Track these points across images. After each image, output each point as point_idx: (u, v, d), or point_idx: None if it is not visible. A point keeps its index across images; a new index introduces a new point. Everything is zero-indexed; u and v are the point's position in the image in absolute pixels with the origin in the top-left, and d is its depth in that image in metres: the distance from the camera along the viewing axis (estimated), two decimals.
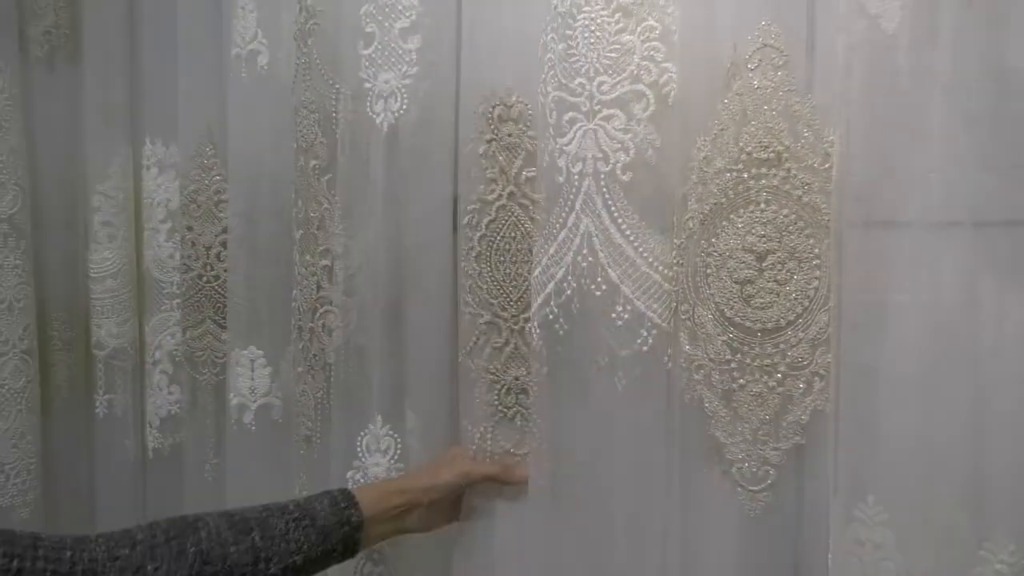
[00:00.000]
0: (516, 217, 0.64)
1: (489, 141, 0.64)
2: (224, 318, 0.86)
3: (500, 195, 0.64)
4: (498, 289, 0.65)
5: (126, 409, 0.96)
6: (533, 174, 0.63)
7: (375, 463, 0.68)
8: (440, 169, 0.68)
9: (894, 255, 0.47)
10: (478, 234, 0.65)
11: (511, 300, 0.65)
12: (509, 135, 0.64)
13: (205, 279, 0.88)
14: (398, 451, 0.69)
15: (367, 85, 0.68)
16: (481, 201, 0.64)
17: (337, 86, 0.72)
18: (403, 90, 0.66)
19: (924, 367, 0.46)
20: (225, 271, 0.87)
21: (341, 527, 0.59)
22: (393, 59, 0.66)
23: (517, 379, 0.64)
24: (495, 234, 0.65)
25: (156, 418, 0.95)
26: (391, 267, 0.69)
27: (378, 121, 0.67)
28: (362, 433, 0.69)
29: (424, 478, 0.65)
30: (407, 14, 0.66)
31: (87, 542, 0.50)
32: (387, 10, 0.67)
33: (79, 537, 0.51)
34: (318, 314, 0.75)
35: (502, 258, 0.65)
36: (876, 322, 0.48)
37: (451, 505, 0.67)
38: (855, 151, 0.49)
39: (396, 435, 0.68)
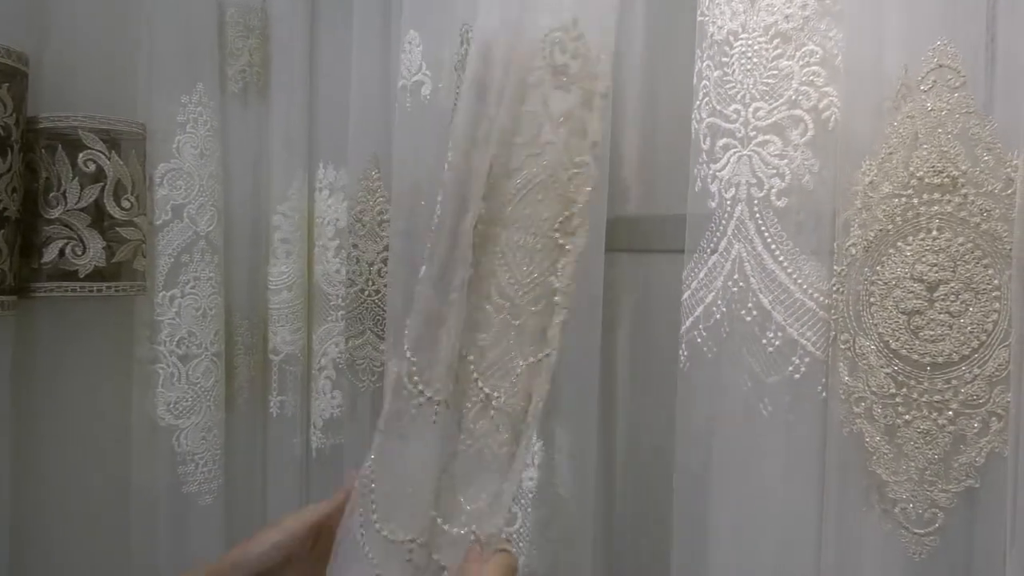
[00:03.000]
0: None
1: None
2: (383, 330, 0.93)
3: None
4: None
5: (295, 410, 1.05)
6: None
7: (528, 476, 0.70)
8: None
9: None
10: None
11: None
12: None
13: (367, 293, 0.95)
14: (550, 466, 0.71)
15: None
16: None
17: None
18: None
19: None
20: (385, 286, 0.93)
21: None
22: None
23: None
24: None
25: (320, 420, 1.04)
26: None
27: None
28: None
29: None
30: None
31: None
32: None
33: None
34: None
35: None
36: None
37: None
38: None
39: (548, 451, 0.70)
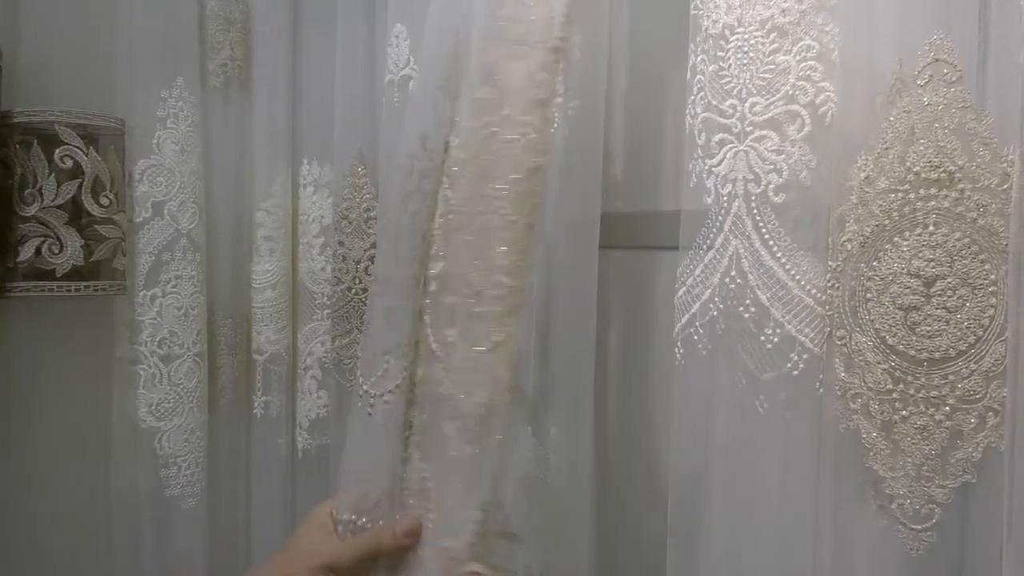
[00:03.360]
0: None
1: None
2: None
3: None
4: None
5: (280, 411, 1.03)
6: None
7: (524, 474, 0.69)
8: (588, 187, 0.69)
9: None
10: None
11: None
12: None
13: (354, 291, 0.94)
14: (546, 464, 0.70)
15: None
16: None
17: None
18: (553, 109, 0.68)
19: None
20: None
21: None
22: None
23: None
24: None
25: (306, 420, 1.02)
26: (537, 286, 0.70)
27: None
28: None
29: None
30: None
31: None
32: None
33: None
34: None
35: None
36: None
37: None
38: None
39: (543, 449, 0.70)
